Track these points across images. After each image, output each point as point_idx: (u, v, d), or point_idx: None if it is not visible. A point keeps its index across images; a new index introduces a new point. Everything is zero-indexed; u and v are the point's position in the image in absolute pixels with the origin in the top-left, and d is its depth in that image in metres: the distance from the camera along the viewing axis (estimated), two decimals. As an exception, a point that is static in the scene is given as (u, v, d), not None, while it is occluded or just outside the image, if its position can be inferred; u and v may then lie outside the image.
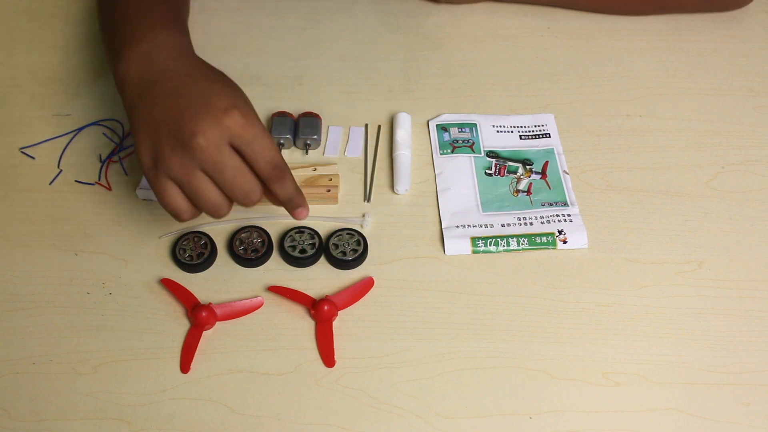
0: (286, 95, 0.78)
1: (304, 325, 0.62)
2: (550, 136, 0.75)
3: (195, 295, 0.63)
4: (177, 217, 0.56)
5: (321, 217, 0.68)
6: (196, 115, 0.53)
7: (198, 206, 0.55)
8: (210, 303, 0.62)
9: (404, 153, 0.72)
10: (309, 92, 0.78)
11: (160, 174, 0.54)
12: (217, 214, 0.56)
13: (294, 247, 0.65)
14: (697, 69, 0.81)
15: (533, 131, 0.75)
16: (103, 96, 0.78)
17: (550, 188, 0.70)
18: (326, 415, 0.57)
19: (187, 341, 0.60)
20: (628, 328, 0.62)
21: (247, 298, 0.63)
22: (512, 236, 0.66)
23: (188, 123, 0.53)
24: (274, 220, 0.68)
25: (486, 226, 0.67)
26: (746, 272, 0.65)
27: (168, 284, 0.63)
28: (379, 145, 0.74)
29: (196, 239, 0.65)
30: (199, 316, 0.60)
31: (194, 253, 0.65)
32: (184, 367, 0.59)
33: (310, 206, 0.68)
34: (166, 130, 0.54)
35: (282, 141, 0.72)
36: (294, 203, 0.58)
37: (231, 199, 0.55)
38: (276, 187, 0.56)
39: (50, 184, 0.71)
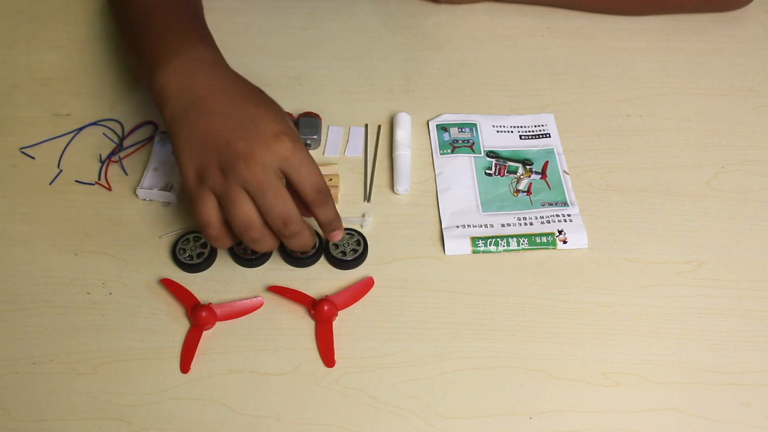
0: (286, 95, 0.77)
1: (304, 325, 0.62)
2: (550, 136, 0.75)
3: (195, 295, 0.63)
4: (205, 228, 0.57)
5: (321, 217, 0.68)
6: (246, 139, 0.55)
7: (231, 220, 0.56)
8: (210, 303, 0.62)
9: (404, 153, 0.72)
10: (309, 92, 0.78)
11: (203, 187, 0.56)
12: (246, 234, 0.56)
13: (294, 247, 0.65)
14: (697, 69, 0.81)
15: (533, 131, 0.75)
16: (103, 96, 0.78)
17: (550, 188, 0.70)
18: (326, 415, 0.57)
19: (187, 341, 0.60)
20: (628, 328, 0.62)
21: (247, 298, 0.63)
22: (512, 236, 0.66)
23: (238, 144, 0.55)
24: (274, 220, 0.68)
25: (486, 226, 0.67)
26: (746, 272, 0.65)
27: (168, 284, 0.63)
28: (379, 145, 0.74)
29: (196, 239, 0.65)
30: (199, 316, 0.60)
31: (194, 253, 0.65)
32: (184, 367, 0.59)
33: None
34: (214, 147, 0.55)
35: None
36: (333, 226, 0.60)
37: (267, 223, 0.56)
38: (319, 210, 0.58)
39: (50, 184, 0.71)
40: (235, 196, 0.55)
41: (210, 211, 0.56)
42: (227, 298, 0.63)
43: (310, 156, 0.57)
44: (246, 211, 0.55)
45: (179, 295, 0.62)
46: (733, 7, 0.86)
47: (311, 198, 0.57)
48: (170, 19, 0.66)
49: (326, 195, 0.58)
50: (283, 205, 0.55)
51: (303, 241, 0.58)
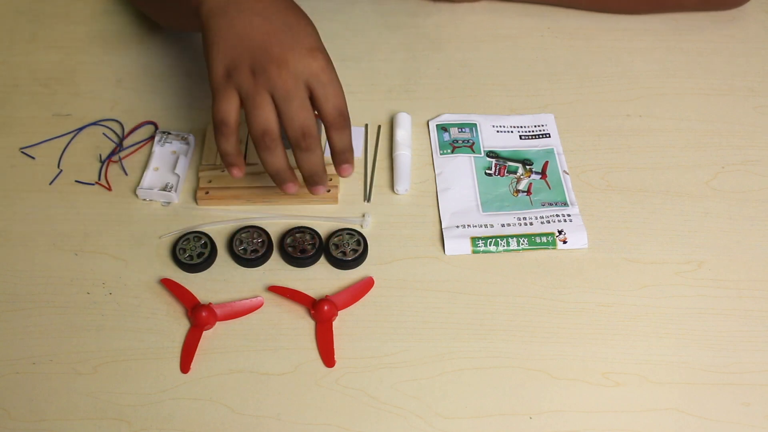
0: (286, 95, 0.77)
1: (304, 325, 0.62)
2: (550, 136, 0.75)
3: (195, 295, 0.63)
4: (220, 125, 0.57)
5: (321, 217, 0.68)
6: (282, 44, 0.56)
7: (251, 122, 0.56)
8: (210, 303, 0.62)
9: (404, 153, 0.72)
10: (309, 92, 0.78)
11: (229, 84, 0.56)
12: (262, 139, 0.56)
13: (294, 247, 0.65)
14: (697, 69, 0.81)
15: (533, 131, 0.75)
16: (103, 96, 0.78)
17: (550, 188, 0.70)
18: (326, 415, 0.57)
19: (187, 341, 0.60)
20: (628, 328, 0.62)
21: (247, 298, 0.63)
22: (512, 236, 0.66)
23: (274, 48, 0.55)
24: (274, 220, 0.68)
25: (486, 226, 0.67)
26: (746, 272, 0.65)
27: (168, 284, 0.63)
28: (379, 145, 0.74)
29: (196, 239, 0.65)
30: (199, 316, 0.60)
31: (194, 253, 0.65)
32: (184, 367, 0.59)
33: (310, 206, 0.69)
34: (249, 47, 0.56)
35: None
36: (344, 157, 0.61)
37: (287, 131, 0.57)
38: (335, 134, 0.59)
39: (50, 184, 0.71)
40: (261, 99, 0.55)
41: (231, 108, 0.57)
42: (227, 298, 0.63)
43: (338, 78, 0.57)
44: (268, 114, 0.56)
45: (179, 295, 0.62)
46: (732, 6, 0.86)
47: (332, 119, 0.58)
48: None
49: (346, 120, 0.59)
50: (306, 117, 0.56)
51: (314, 160, 0.59)
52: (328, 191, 0.66)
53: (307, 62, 0.56)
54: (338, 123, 0.59)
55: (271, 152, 0.58)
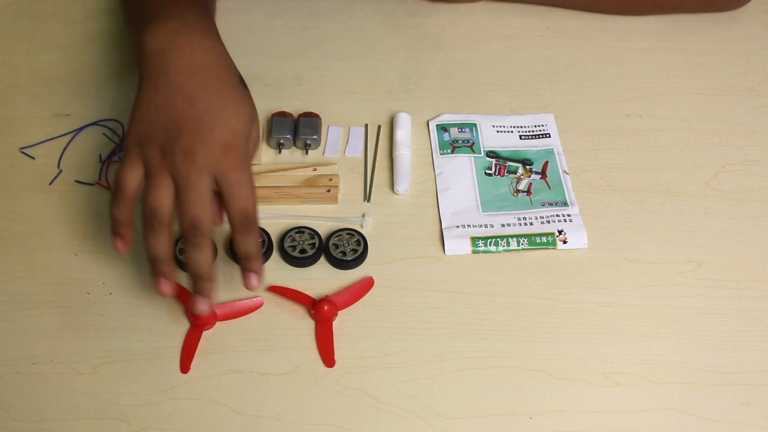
0: (286, 95, 0.78)
1: (304, 325, 0.62)
2: (550, 136, 0.75)
3: (195, 295, 0.62)
4: (117, 189, 0.54)
5: (321, 217, 0.68)
6: (196, 134, 0.53)
7: (145, 198, 0.54)
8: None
9: (404, 153, 0.72)
10: (309, 92, 0.78)
11: (138, 154, 0.54)
12: (149, 218, 0.53)
13: (294, 247, 0.65)
14: (697, 69, 0.81)
15: (533, 131, 0.75)
16: (103, 96, 0.78)
17: (550, 188, 0.70)
18: (326, 415, 0.57)
19: (187, 341, 0.60)
20: (628, 328, 0.62)
21: (247, 298, 0.63)
22: (512, 236, 0.66)
23: (185, 135, 0.53)
24: (274, 220, 0.68)
25: (486, 226, 0.67)
26: (746, 272, 0.65)
27: (168, 284, 0.63)
28: (379, 145, 0.74)
29: (196, 239, 0.65)
30: (199, 316, 0.60)
31: (194, 253, 0.64)
32: (184, 367, 0.59)
33: (310, 206, 0.69)
34: (164, 127, 0.54)
35: (282, 141, 0.72)
36: (250, 264, 0.56)
37: (179, 219, 0.54)
38: (240, 238, 0.55)
39: (50, 184, 0.71)
40: (161, 179, 0.53)
41: (132, 177, 0.54)
42: (227, 298, 0.63)
43: (250, 179, 0.55)
44: (162, 196, 0.53)
45: (179, 295, 0.62)
46: (731, 7, 0.86)
47: (236, 221, 0.54)
48: None
49: (252, 224, 0.55)
50: (200, 211, 0.53)
51: (201, 257, 0.54)
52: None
53: (217, 158, 0.53)
54: (243, 226, 0.54)
55: (154, 234, 0.54)
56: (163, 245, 0.54)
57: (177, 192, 0.53)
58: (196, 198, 0.53)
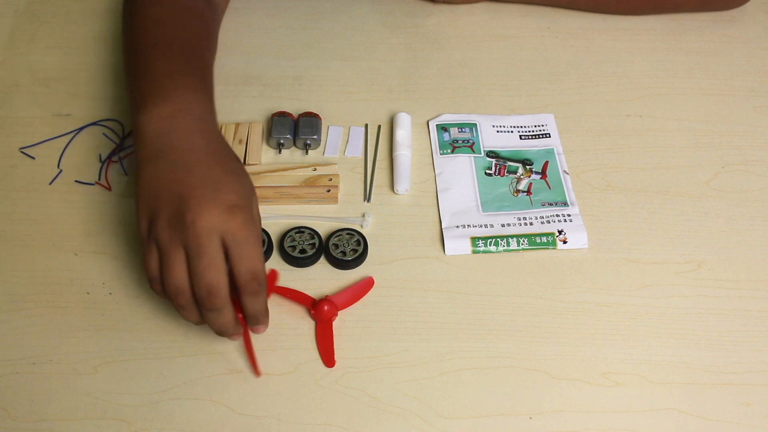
0: (286, 95, 0.78)
1: (304, 325, 0.62)
2: (550, 136, 0.75)
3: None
4: (150, 283, 0.55)
5: (321, 217, 0.68)
6: (201, 199, 0.53)
7: (165, 281, 0.54)
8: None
9: (404, 153, 0.72)
10: (309, 92, 0.78)
11: (151, 239, 0.54)
12: (175, 299, 0.54)
13: (294, 247, 0.65)
14: (697, 69, 0.81)
15: (533, 131, 0.75)
16: (103, 96, 0.78)
17: (550, 188, 0.70)
18: (326, 415, 0.57)
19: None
20: (628, 328, 0.62)
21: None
22: (512, 236, 0.66)
23: (190, 202, 0.53)
24: (274, 220, 0.68)
25: (486, 226, 0.67)
26: (746, 272, 0.65)
27: (168, 284, 0.63)
28: (379, 145, 0.74)
29: (196, 239, 0.65)
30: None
31: (194, 253, 0.64)
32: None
33: (310, 206, 0.69)
34: (169, 198, 0.54)
35: (282, 141, 0.72)
36: (257, 320, 0.57)
37: (196, 288, 0.53)
38: (247, 299, 0.55)
39: (50, 184, 0.71)
40: (174, 256, 0.53)
41: (155, 266, 0.54)
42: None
43: (258, 239, 0.54)
44: (179, 275, 0.53)
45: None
46: (731, 7, 0.86)
47: (243, 282, 0.54)
48: (170, 60, 0.64)
49: (260, 285, 0.54)
50: (213, 275, 0.52)
51: (222, 320, 0.54)
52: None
53: (224, 218, 0.53)
54: (250, 287, 0.54)
55: (185, 311, 0.55)
56: (196, 316, 0.55)
57: (189, 261, 0.53)
58: (209, 263, 0.52)
